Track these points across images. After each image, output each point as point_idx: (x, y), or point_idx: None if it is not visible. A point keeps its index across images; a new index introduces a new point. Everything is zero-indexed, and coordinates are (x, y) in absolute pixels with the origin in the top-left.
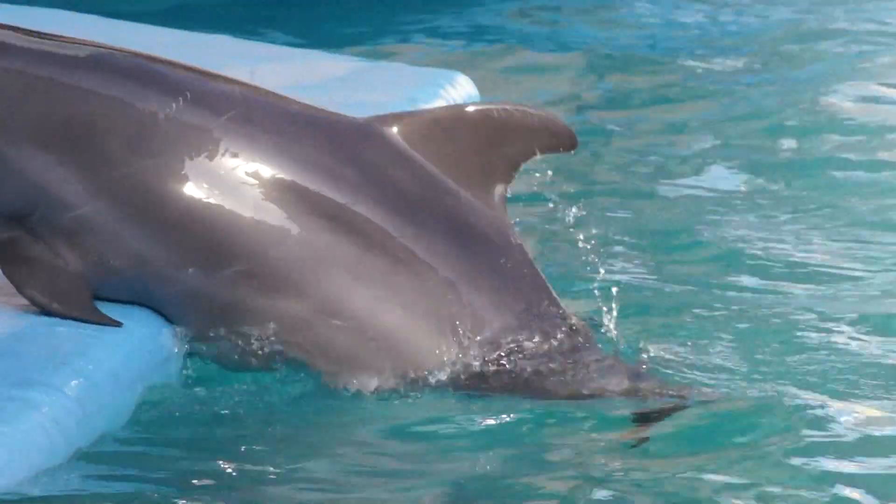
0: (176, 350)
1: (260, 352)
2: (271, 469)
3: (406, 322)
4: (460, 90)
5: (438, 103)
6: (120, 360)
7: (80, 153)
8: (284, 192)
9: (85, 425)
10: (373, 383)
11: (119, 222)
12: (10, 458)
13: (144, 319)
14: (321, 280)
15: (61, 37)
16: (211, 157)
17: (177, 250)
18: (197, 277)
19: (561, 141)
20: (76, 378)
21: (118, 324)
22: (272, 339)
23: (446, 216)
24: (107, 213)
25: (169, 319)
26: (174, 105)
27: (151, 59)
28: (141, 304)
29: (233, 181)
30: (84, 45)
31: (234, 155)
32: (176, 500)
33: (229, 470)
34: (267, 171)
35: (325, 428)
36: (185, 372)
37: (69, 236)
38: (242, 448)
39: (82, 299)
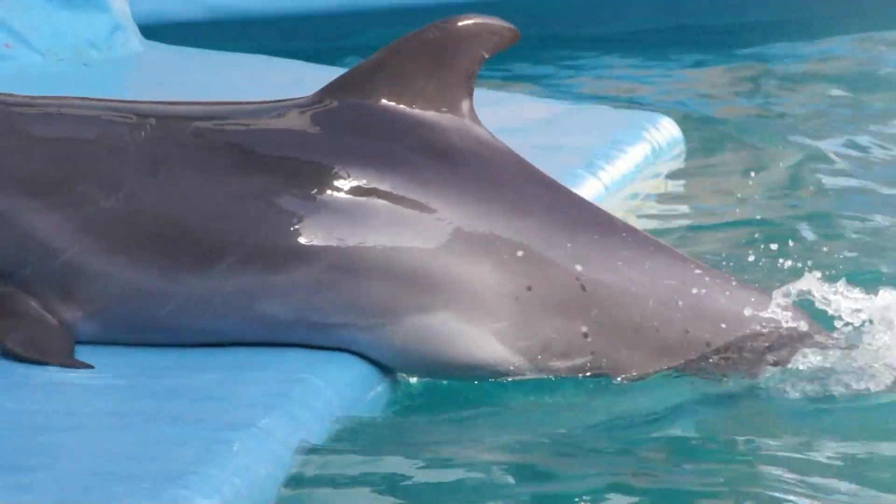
0: (379, 388)
1: None
2: None
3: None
4: (664, 132)
5: (642, 146)
6: (326, 402)
7: (58, 197)
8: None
9: (291, 468)
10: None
11: (98, 256)
12: (220, 500)
13: (347, 360)
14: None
15: (31, 97)
16: (190, 171)
17: (164, 262)
18: (193, 282)
19: (503, 37)
20: (284, 420)
21: (90, 366)
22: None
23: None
24: (86, 252)
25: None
26: (141, 134)
27: (109, 101)
28: (150, 337)
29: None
30: (51, 100)
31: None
32: None
33: None
34: (238, 172)
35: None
36: (390, 408)
37: (58, 285)
38: (448, 482)
39: (62, 347)
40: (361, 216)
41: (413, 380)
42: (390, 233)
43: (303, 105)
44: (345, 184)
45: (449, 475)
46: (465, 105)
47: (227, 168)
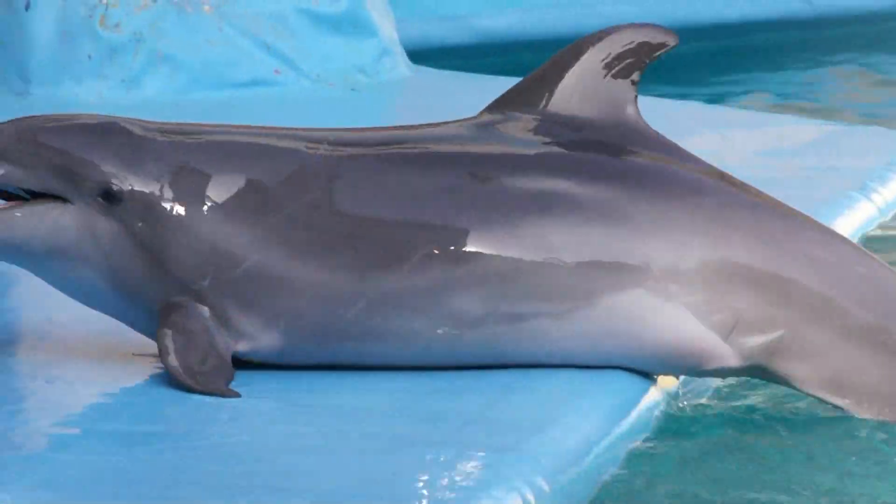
0: (647, 410)
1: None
2: None
3: None
4: None
5: None
6: (593, 425)
7: (237, 206)
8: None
9: (557, 493)
10: None
11: (285, 261)
12: None
13: (613, 382)
14: None
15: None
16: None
17: (352, 264)
18: (381, 281)
19: (664, 43)
20: (549, 445)
21: (236, 394)
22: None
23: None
24: (272, 258)
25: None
26: (320, 151)
27: (272, 129)
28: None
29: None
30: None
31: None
32: None
33: None
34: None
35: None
36: (659, 431)
37: (239, 294)
38: None
39: (219, 378)
40: (545, 205)
41: (682, 404)
42: (575, 217)
43: (476, 118)
44: (526, 177)
45: None
46: (630, 109)
47: (409, 166)
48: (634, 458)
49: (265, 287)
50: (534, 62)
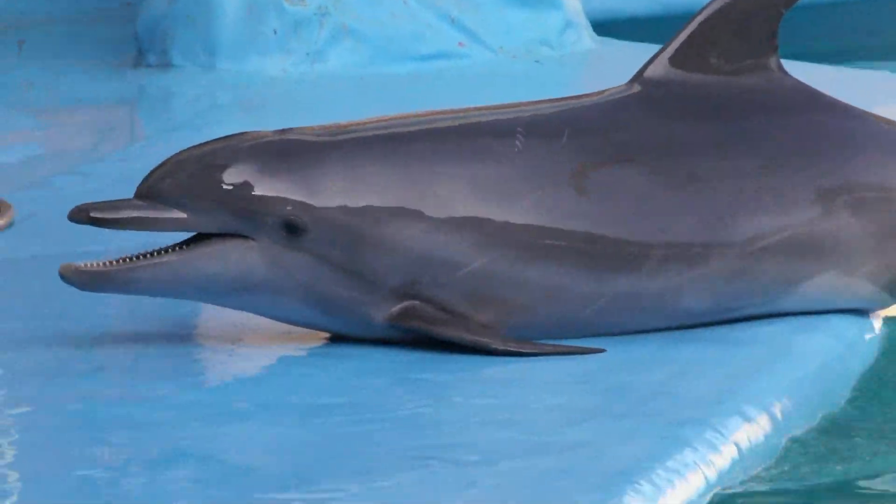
0: (829, 389)
1: None
2: None
3: None
4: None
5: None
6: (776, 399)
7: (452, 213)
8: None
9: (738, 465)
10: None
11: (519, 263)
12: (660, 495)
13: (795, 358)
14: None
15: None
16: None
17: (589, 263)
18: (619, 283)
19: None
20: (732, 417)
21: (600, 350)
22: None
23: None
24: (500, 261)
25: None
26: (517, 142)
27: (465, 112)
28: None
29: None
30: (402, 117)
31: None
32: None
33: None
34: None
35: None
36: (840, 411)
37: (464, 291)
38: None
39: (507, 337)
40: (752, 200)
41: (876, 363)
42: (778, 210)
43: (639, 94)
44: (724, 167)
45: None
46: (773, 61)
47: (635, 168)
48: (817, 429)
49: (494, 286)
50: None
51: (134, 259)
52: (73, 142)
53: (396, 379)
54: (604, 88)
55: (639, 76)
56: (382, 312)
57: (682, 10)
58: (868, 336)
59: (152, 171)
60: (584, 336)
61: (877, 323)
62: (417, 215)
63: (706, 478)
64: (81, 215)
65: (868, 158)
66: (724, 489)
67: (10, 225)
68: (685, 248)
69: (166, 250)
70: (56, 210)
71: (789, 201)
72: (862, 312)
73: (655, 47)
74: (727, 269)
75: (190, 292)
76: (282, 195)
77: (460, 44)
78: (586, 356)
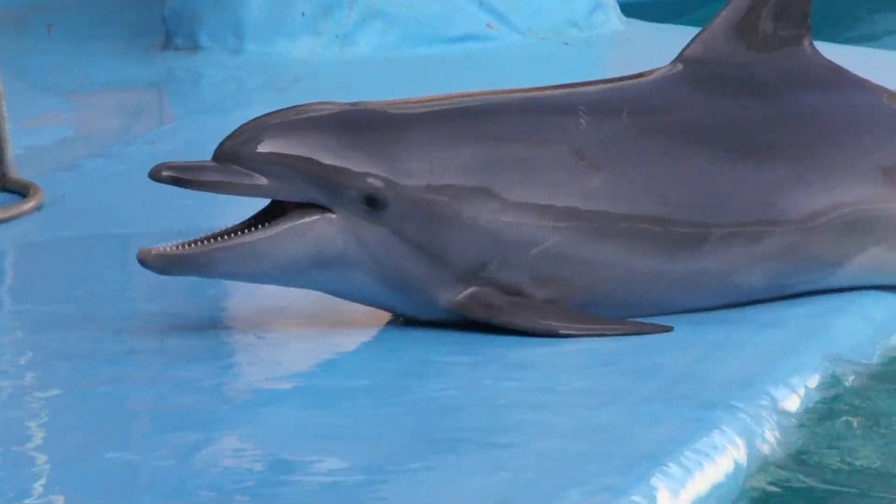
0: (856, 370)
1: None
2: None
3: None
4: None
5: None
6: (801, 381)
7: (527, 192)
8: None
9: (767, 447)
10: None
11: (589, 242)
12: (689, 477)
13: (822, 341)
14: None
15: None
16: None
17: (658, 243)
18: (686, 262)
19: None
20: (760, 399)
21: (668, 328)
22: None
23: None
24: (572, 241)
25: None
26: (581, 121)
27: (521, 91)
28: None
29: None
30: (473, 95)
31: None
32: None
33: None
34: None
35: None
36: (865, 392)
37: (533, 271)
38: None
39: (573, 315)
40: (805, 176)
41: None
42: (830, 188)
43: (683, 74)
44: (775, 145)
45: None
46: (806, 41)
47: (696, 146)
48: (847, 411)
49: (562, 266)
50: None
51: (211, 241)
52: (101, 124)
53: (423, 362)
54: (635, 69)
55: (681, 56)
56: (448, 295)
57: None
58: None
59: (231, 135)
60: (648, 313)
61: None
62: (494, 195)
63: (735, 461)
64: (162, 174)
65: None
66: (753, 472)
67: (39, 207)
68: (745, 225)
69: (241, 230)
70: (85, 193)
71: (837, 178)
72: (893, 295)
73: (682, 28)
74: (784, 245)
75: (269, 271)
76: (366, 168)
77: (489, 25)
78: (609, 339)
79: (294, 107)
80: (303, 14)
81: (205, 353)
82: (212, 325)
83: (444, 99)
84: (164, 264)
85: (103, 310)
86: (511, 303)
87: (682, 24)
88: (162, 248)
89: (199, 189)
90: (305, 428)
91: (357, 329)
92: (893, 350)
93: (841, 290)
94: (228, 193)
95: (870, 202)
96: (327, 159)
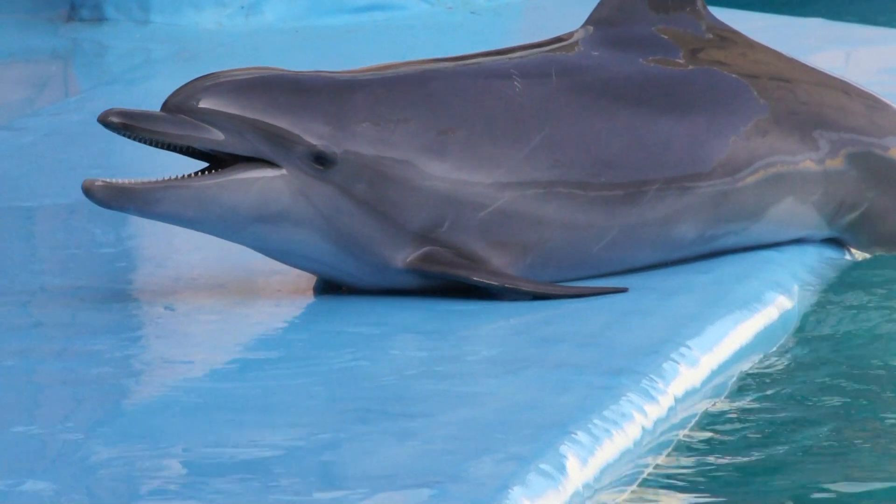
0: (775, 339)
1: None
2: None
3: None
4: None
5: None
6: (710, 343)
7: (474, 154)
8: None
9: (674, 412)
10: None
11: (535, 202)
12: (597, 445)
13: (739, 311)
14: None
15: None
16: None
17: (598, 199)
18: (627, 214)
19: None
20: (666, 365)
21: (622, 289)
22: None
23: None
24: (520, 200)
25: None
26: (514, 82)
27: (446, 59)
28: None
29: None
30: (417, 63)
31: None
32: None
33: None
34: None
35: None
36: (786, 361)
37: (484, 234)
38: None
39: (530, 280)
40: (721, 127)
41: (810, 333)
42: (758, 139)
43: (597, 38)
44: (695, 102)
45: (847, 440)
46: (699, 2)
47: (625, 103)
48: (751, 376)
49: (513, 226)
50: None
51: (161, 181)
52: (6, 96)
53: (333, 332)
54: (544, 37)
55: (590, 20)
56: (402, 255)
57: None
58: (800, 283)
59: (182, 88)
60: (591, 276)
61: (807, 272)
62: (442, 156)
63: (643, 427)
64: (110, 118)
65: (806, 92)
66: (659, 438)
67: None
68: (676, 179)
69: (191, 175)
70: None
71: (751, 132)
72: (794, 260)
73: None
74: (710, 196)
75: (211, 219)
76: (315, 126)
77: None
78: (517, 308)
79: (246, 67)
80: None
81: (113, 326)
82: (120, 297)
83: (389, 67)
84: (108, 195)
85: (9, 283)
86: (468, 261)
87: None
88: (109, 180)
89: (147, 137)
90: (214, 399)
91: (267, 300)
92: (796, 315)
93: (757, 247)
94: (178, 143)
95: (781, 155)
96: (278, 116)
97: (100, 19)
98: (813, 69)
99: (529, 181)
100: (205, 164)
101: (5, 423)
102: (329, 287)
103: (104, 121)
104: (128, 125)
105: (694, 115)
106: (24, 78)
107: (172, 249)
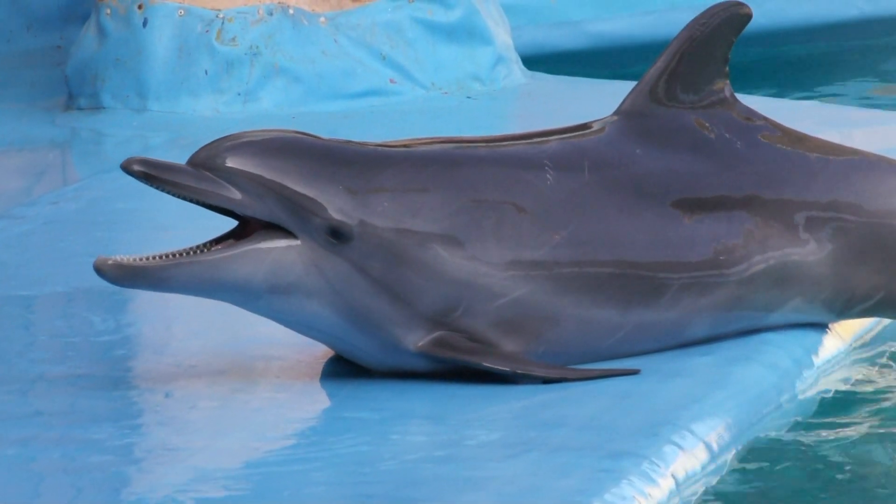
0: (774, 409)
1: None
2: None
3: None
4: None
5: None
6: (710, 425)
7: (495, 243)
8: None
9: (674, 496)
10: None
11: (553, 296)
12: None
13: (736, 386)
14: None
15: (423, 140)
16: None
17: (616, 295)
18: (642, 313)
19: (744, 16)
20: (666, 448)
21: (635, 371)
22: None
23: None
24: (538, 292)
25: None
26: (547, 173)
27: (496, 141)
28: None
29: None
30: (448, 141)
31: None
32: None
33: None
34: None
35: None
36: (788, 429)
37: (498, 321)
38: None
39: (543, 363)
40: (735, 225)
41: (810, 393)
42: (772, 238)
43: (625, 129)
44: (717, 199)
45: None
46: (727, 90)
47: (652, 201)
48: (752, 458)
49: (526, 317)
50: (648, 66)
51: (171, 256)
52: (4, 185)
53: (332, 418)
54: (539, 121)
55: (619, 110)
56: (413, 338)
57: (610, 44)
58: (802, 366)
59: (211, 143)
60: (604, 358)
61: (810, 354)
62: (462, 243)
63: None
64: (133, 167)
65: (824, 184)
66: None
67: None
68: (694, 277)
69: (201, 249)
70: None
71: (767, 230)
72: (794, 342)
73: (583, 80)
74: (726, 296)
75: (225, 291)
76: (334, 199)
77: (391, 80)
78: (516, 391)
79: (275, 128)
80: (206, 72)
81: (112, 414)
82: (120, 385)
83: (421, 143)
84: (120, 275)
85: (8, 371)
86: (480, 346)
87: (585, 75)
88: (120, 258)
89: (168, 188)
90: (216, 487)
91: (267, 387)
92: (797, 398)
93: (747, 334)
94: (197, 199)
95: (792, 253)
96: (299, 183)
97: (97, 108)
98: (842, 155)
99: (549, 275)
100: (216, 230)
101: None
102: (340, 365)
103: (127, 168)
104: (149, 175)
105: (714, 214)
106: (21, 166)
107: (171, 336)
